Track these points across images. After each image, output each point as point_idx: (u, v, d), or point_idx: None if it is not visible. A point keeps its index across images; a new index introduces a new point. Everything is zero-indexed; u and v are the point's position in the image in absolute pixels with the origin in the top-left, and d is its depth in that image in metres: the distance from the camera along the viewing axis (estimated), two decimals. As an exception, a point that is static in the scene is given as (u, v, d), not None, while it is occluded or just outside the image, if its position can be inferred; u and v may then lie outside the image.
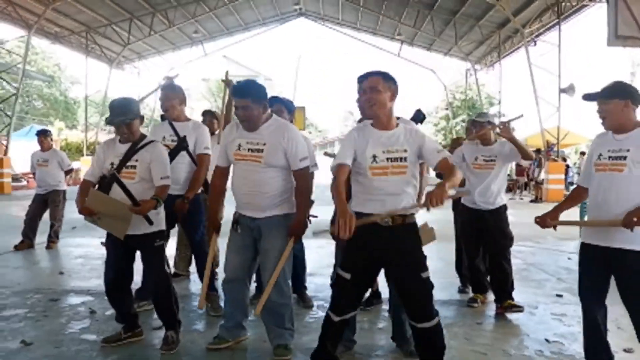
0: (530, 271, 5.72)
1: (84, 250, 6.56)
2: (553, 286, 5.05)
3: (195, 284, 4.76)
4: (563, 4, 15.95)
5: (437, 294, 2.75)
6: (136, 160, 3.17)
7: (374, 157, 2.63)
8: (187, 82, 50.69)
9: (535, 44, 18.79)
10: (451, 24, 20.71)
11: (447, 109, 32.72)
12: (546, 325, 3.82)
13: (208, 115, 5.05)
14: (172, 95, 3.98)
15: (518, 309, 3.99)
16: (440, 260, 5.52)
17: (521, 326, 3.81)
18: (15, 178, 17.56)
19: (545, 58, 17.32)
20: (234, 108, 3.14)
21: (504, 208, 4.24)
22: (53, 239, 6.81)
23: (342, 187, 2.51)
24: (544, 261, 6.31)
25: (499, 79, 22.98)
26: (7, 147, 17.11)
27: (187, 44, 25.65)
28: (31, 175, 19.73)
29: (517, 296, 4.43)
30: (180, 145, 3.86)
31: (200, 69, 38.99)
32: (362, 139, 2.67)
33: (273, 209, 3.06)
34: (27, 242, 6.65)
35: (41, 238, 6.82)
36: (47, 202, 6.92)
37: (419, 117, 3.81)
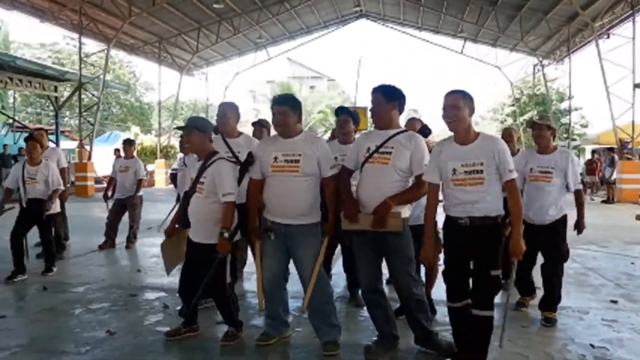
0: (588, 276, 5.66)
1: (158, 250, 7.11)
2: (609, 292, 5.00)
3: (252, 284, 5.15)
4: (637, -5, 15.20)
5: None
6: (204, 177, 3.54)
7: (454, 170, 3.00)
8: (252, 84, 52.48)
9: (608, 37, 17.98)
10: (516, 19, 20.16)
11: (513, 105, 31.71)
12: (594, 331, 3.85)
13: (257, 125, 5.28)
14: (229, 113, 4.31)
15: (549, 324, 3.96)
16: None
17: (568, 330, 3.86)
18: (97, 181, 18.87)
19: (619, 52, 16.56)
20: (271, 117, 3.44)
21: (561, 222, 4.03)
22: (131, 239, 7.45)
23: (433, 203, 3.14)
24: (605, 266, 6.20)
25: (570, 74, 22.12)
26: (90, 152, 18.43)
27: (252, 48, 26.49)
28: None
29: (570, 301, 4.49)
30: (247, 161, 4.11)
31: (264, 72, 40.11)
32: (444, 155, 3.06)
33: (305, 217, 3.36)
34: (109, 242, 7.32)
35: (120, 238, 7.46)
36: (125, 206, 7.55)
37: (424, 132, 3.96)
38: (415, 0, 21.31)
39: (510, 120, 34.72)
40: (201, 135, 3.60)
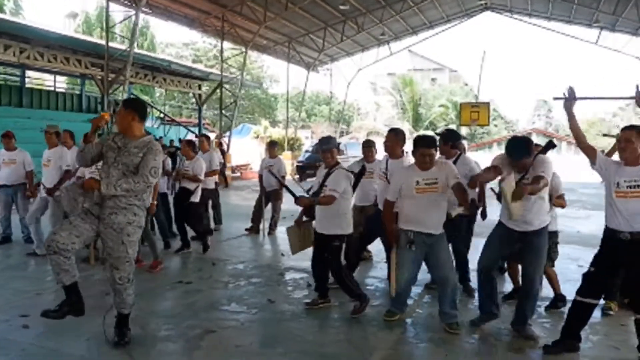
0: None
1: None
2: None
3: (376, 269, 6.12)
4: None
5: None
6: (328, 182, 4.58)
7: (617, 184, 3.58)
8: (373, 77, 53.29)
9: None
10: (661, 6, 18.80)
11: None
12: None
13: (365, 146, 6.16)
14: (397, 141, 5.21)
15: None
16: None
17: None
18: (233, 170, 21.03)
19: None
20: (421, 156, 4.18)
21: None
22: (272, 227, 8.72)
23: None
24: None
25: None
26: (228, 145, 20.61)
27: (375, 44, 27.32)
28: (244, 167, 23.51)
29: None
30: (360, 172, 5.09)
31: (385, 64, 40.64)
32: (612, 171, 3.64)
33: (440, 227, 4.21)
34: (255, 228, 8.67)
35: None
36: (269, 197, 8.81)
37: (548, 147, 4.23)
38: (545, -9, 20.67)
39: None
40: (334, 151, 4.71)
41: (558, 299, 4.83)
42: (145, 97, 29.51)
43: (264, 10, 18.68)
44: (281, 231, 8.70)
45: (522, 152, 3.91)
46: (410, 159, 4.74)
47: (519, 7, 24.28)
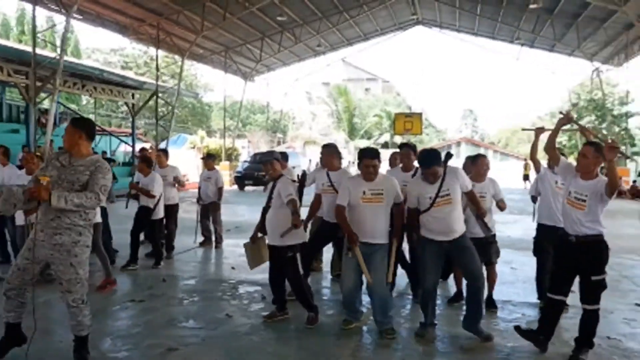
0: (621, 282, 6.40)
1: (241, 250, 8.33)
2: (637, 297, 5.77)
3: (327, 279, 6.32)
4: (696, 4, 15.25)
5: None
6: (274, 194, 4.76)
7: (570, 192, 4.02)
8: (308, 86, 53.84)
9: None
10: (573, 27, 20.40)
11: (570, 110, 31.44)
12: (614, 327, 4.70)
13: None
14: (332, 155, 5.48)
15: None
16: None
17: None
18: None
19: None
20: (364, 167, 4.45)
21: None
22: (218, 240, 8.70)
23: None
24: (639, 274, 6.90)
25: (630, 81, 22.07)
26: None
27: (311, 55, 27.78)
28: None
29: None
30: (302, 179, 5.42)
31: (320, 73, 40.98)
32: (569, 180, 4.10)
33: (383, 237, 4.49)
34: (207, 241, 8.66)
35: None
36: (208, 210, 8.76)
37: (448, 158, 4.67)
38: (472, 9, 21.86)
39: (567, 126, 34.35)
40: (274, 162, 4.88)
41: (488, 301, 5.20)
42: (72, 106, 28.28)
43: (202, 20, 18.55)
44: (227, 244, 8.73)
45: (432, 160, 4.32)
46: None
47: (448, 23, 25.53)
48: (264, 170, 5.02)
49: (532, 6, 18.21)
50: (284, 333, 4.59)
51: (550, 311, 4.16)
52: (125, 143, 23.72)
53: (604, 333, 4.47)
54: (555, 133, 4.32)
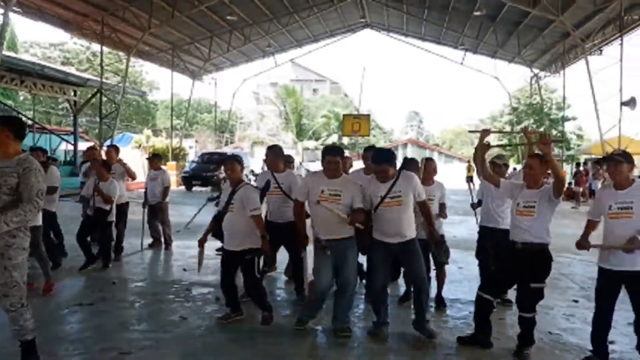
0: (560, 280, 6.78)
1: (193, 251, 8.21)
2: (574, 293, 6.15)
3: (281, 280, 6.40)
4: (625, 18, 16.27)
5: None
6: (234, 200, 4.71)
7: (518, 203, 4.16)
8: (256, 87, 53.54)
9: (601, 53, 19.12)
10: (514, 35, 21.35)
11: (510, 114, 32.92)
12: (554, 322, 4.99)
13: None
14: (276, 156, 5.55)
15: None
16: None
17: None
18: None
19: (609, 69, 17.59)
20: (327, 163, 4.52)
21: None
22: (168, 241, 8.54)
23: None
24: (576, 272, 7.35)
25: (567, 87, 23.39)
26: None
27: (260, 55, 27.70)
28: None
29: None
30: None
31: (268, 74, 40.81)
32: (516, 193, 4.22)
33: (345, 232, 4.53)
34: (157, 243, 8.51)
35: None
36: (156, 210, 8.59)
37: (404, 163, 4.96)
38: (418, 14, 22.46)
39: (508, 128, 35.90)
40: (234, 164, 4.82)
41: (438, 300, 5.45)
42: (9, 102, 26.89)
43: (149, 17, 18.11)
44: (177, 245, 8.58)
45: (380, 158, 4.48)
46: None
47: (396, 27, 26.11)
48: (224, 170, 4.94)
49: (475, 13, 19.00)
50: (239, 334, 4.58)
51: (481, 310, 4.34)
52: (67, 141, 22.82)
53: (545, 328, 4.74)
54: (480, 149, 4.48)
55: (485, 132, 4.72)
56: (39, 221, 5.71)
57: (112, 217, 7.07)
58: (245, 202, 4.64)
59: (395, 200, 4.38)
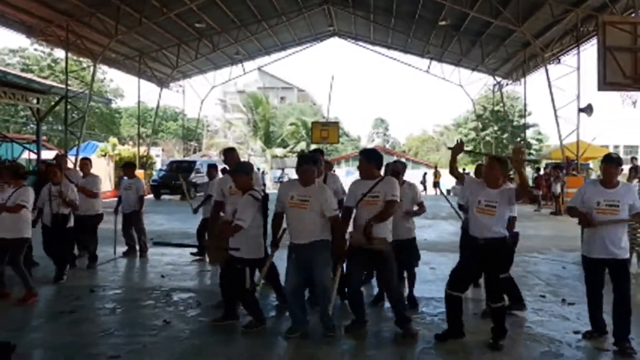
0: (527, 277, 7.10)
1: (170, 258, 8.23)
2: (541, 289, 6.46)
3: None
4: (582, 29, 17.00)
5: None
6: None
7: (479, 202, 4.40)
8: (223, 94, 53.29)
9: (559, 62, 19.92)
10: (477, 44, 22.05)
11: (475, 120, 33.83)
12: (524, 316, 5.26)
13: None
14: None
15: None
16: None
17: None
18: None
19: (567, 77, 18.33)
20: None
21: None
22: (143, 248, 8.50)
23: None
24: (542, 270, 7.70)
25: (528, 94, 24.36)
26: (75, 164, 19.17)
27: (228, 63, 27.68)
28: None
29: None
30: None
31: (236, 81, 40.53)
32: (476, 191, 4.48)
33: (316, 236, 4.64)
34: (131, 251, 8.45)
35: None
36: (131, 219, 8.51)
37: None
38: (385, 23, 22.93)
39: (473, 134, 36.89)
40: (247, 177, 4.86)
41: (410, 299, 5.61)
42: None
43: (116, 23, 17.90)
44: (152, 252, 8.55)
45: (371, 158, 4.77)
46: None
47: (362, 35, 26.56)
48: (233, 180, 5.03)
49: (440, 23, 19.55)
50: (226, 336, 4.66)
51: (451, 307, 4.56)
52: (30, 150, 22.22)
53: (516, 322, 5.00)
54: (453, 161, 4.71)
55: (458, 149, 4.74)
56: (29, 233, 5.81)
57: (71, 223, 6.79)
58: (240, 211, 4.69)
59: (373, 199, 4.61)
